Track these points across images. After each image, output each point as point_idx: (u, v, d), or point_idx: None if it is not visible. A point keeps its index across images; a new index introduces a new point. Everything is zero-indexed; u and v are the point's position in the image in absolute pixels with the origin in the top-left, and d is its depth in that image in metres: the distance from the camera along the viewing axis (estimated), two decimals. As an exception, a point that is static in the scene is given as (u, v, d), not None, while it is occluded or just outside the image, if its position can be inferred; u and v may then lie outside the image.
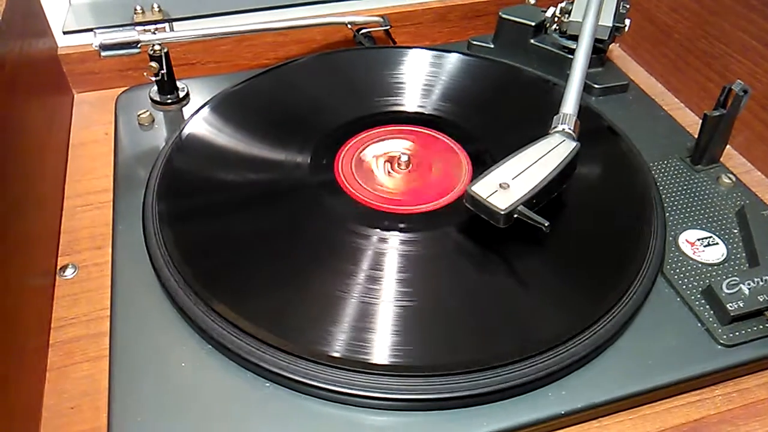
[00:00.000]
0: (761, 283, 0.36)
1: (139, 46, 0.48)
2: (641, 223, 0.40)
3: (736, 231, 0.42)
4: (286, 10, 0.59)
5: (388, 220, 0.40)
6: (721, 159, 0.47)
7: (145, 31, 0.49)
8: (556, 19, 0.56)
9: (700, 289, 0.38)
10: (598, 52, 0.54)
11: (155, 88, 0.52)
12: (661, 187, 0.44)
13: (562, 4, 0.55)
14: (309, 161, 0.44)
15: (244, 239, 0.39)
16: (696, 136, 0.46)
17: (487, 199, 0.36)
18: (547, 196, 0.38)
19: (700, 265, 0.39)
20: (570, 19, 0.53)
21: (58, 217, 0.45)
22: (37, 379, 0.35)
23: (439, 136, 0.48)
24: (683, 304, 0.37)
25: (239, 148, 0.46)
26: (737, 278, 0.36)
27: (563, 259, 0.39)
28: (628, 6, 0.53)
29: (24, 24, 0.50)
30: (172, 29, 0.52)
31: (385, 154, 0.46)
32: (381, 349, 0.33)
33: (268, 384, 0.33)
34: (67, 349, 0.37)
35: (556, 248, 0.39)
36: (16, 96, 0.43)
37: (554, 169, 0.38)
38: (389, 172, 0.45)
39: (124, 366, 0.34)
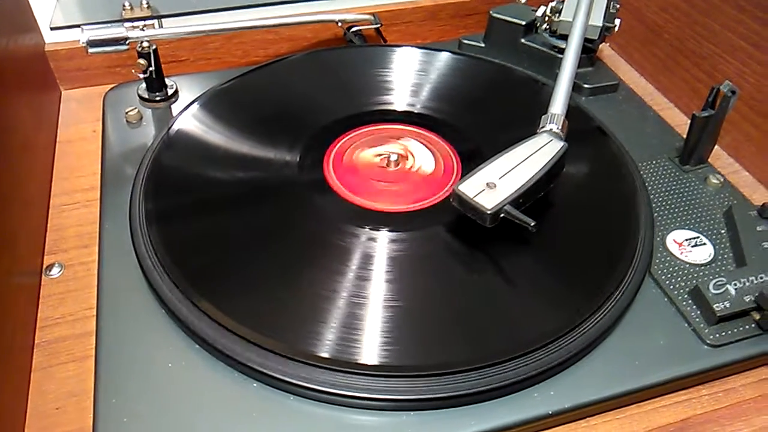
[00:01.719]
0: (748, 284, 0.36)
1: (127, 42, 0.48)
2: (629, 223, 0.40)
3: (723, 231, 0.42)
4: (276, 8, 0.59)
5: (376, 219, 0.40)
6: (710, 159, 0.47)
7: (133, 27, 0.49)
8: (546, 18, 0.56)
9: (687, 289, 0.38)
10: (588, 51, 0.54)
11: (144, 85, 0.52)
12: (649, 187, 0.44)
13: (553, 4, 0.55)
14: (298, 159, 0.44)
15: (232, 238, 0.39)
16: (685, 137, 0.46)
17: (474, 199, 0.36)
18: (534, 196, 0.38)
19: (687, 266, 0.39)
20: (560, 18, 0.53)
21: (45, 215, 0.45)
22: (22, 379, 0.35)
23: (428, 134, 0.48)
24: (670, 305, 0.37)
25: (228, 146, 0.45)
26: (724, 278, 0.36)
27: (551, 259, 0.39)
28: (618, 6, 0.53)
29: (10, 19, 0.49)
30: (161, 26, 0.52)
31: (374, 152, 0.46)
32: (369, 349, 0.33)
33: (255, 384, 0.33)
34: (53, 349, 0.37)
35: (544, 248, 0.39)
36: (1, 93, 0.42)
37: (541, 169, 0.38)
38: (378, 171, 0.44)
39: (109, 366, 0.33)
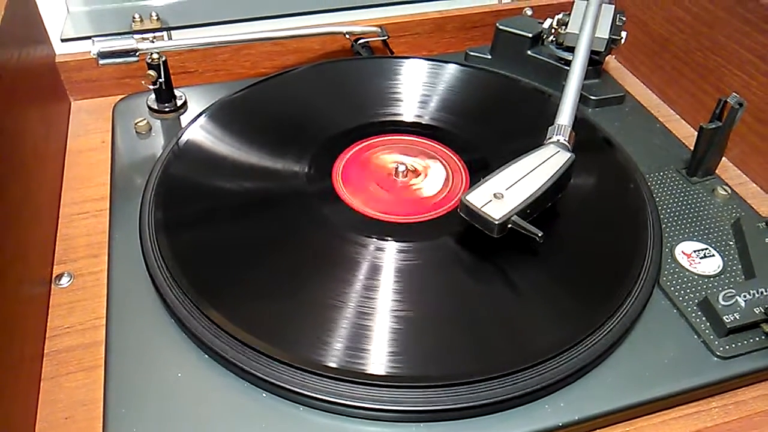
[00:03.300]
0: (757, 295, 0.36)
1: (137, 54, 0.49)
2: (637, 234, 0.40)
3: (731, 243, 0.42)
4: (284, 20, 0.59)
5: (385, 230, 0.40)
6: (717, 171, 0.47)
7: (143, 39, 0.50)
8: (552, 30, 0.56)
9: (696, 301, 0.38)
10: (595, 63, 0.55)
11: (153, 96, 0.52)
12: (657, 199, 0.45)
13: (559, 16, 0.55)
14: (306, 170, 0.44)
15: (241, 248, 0.39)
16: (692, 148, 0.46)
17: (482, 209, 0.36)
18: (541, 207, 0.38)
19: (696, 277, 0.39)
20: (567, 30, 0.53)
21: (55, 225, 0.45)
22: (32, 388, 0.35)
23: (436, 145, 0.48)
24: (680, 316, 0.37)
25: (237, 156, 0.46)
26: (733, 290, 0.36)
27: (559, 270, 0.39)
28: (624, 18, 0.54)
29: (22, 31, 0.50)
30: (170, 38, 0.52)
31: (382, 163, 0.46)
32: (377, 359, 0.33)
33: (264, 394, 0.33)
34: (62, 358, 0.37)
35: (551, 259, 0.39)
36: (13, 103, 0.43)
37: (548, 180, 0.38)
38: (386, 182, 0.45)
39: (119, 376, 0.33)
